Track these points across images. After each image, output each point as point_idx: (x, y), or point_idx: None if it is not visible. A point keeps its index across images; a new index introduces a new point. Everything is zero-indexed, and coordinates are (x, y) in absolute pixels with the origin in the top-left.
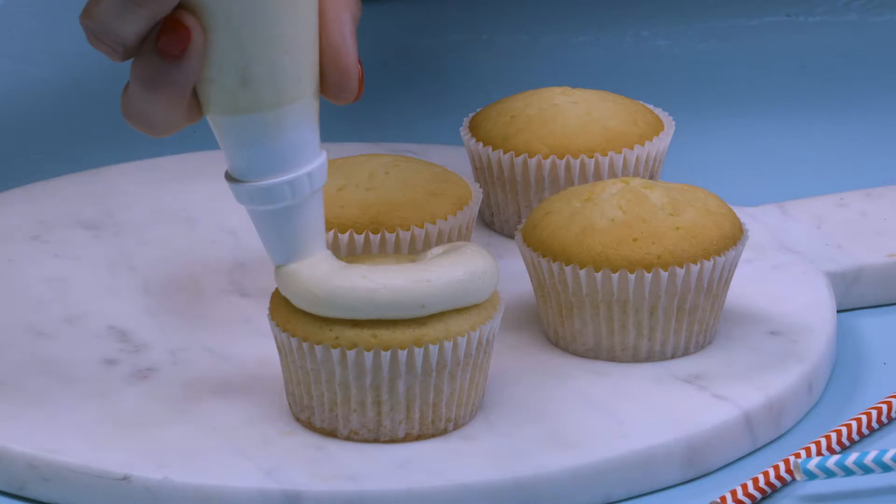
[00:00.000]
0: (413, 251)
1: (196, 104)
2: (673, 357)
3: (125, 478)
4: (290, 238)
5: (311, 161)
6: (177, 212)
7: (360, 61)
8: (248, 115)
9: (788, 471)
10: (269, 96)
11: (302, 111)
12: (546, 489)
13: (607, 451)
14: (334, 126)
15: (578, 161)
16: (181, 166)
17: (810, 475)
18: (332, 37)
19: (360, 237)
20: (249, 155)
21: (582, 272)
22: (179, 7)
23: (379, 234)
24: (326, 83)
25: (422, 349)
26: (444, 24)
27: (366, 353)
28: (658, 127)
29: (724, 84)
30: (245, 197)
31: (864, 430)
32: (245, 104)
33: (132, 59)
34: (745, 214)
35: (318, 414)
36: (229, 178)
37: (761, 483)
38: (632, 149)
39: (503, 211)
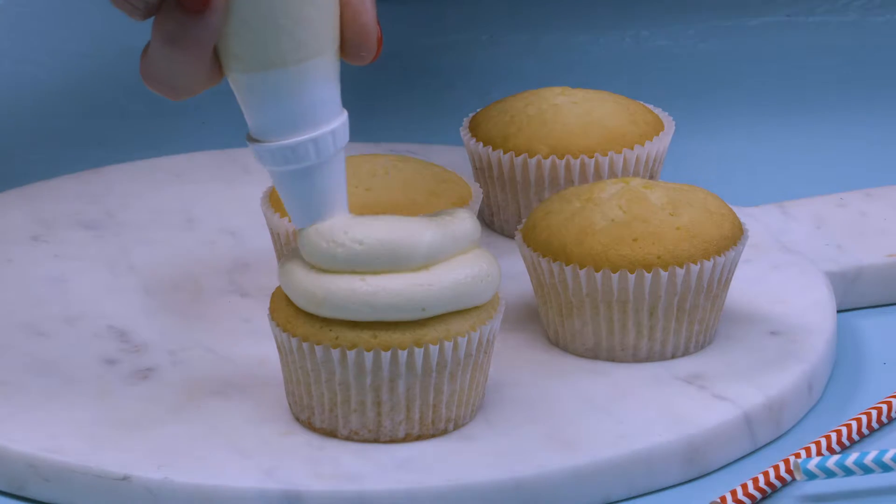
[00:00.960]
0: None
1: (217, 65)
2: (673, 357)
3: (125, 478)
4: (314, 199)
5: (334, 119)
6: (177, 212)
7: (378, 22)
8: (271, 70)
9: (788, 471)
10: (292, 51)
11: (324, 67)
12: (546, 489)
13: (607, 451)
14: None
15: (578, 161)
16: (181, 166)
17: (810, 475)
18: None
19: None
20: (272, 113)
21: (582, 272)
22: None
23: None
24: (345, 42)
25: (422, 349)
26: (444, 24)
27: (366, 353)
28: (658, 127)
29: (724, 84)
30: (268, 157)
31: (864, 430)
32: (268, 60)
33: (153, 18)
34: (745, 214)
35: (318, 414)
36: (251, 139)
37: (761, 483)
38: (632, 149)
39: (503, 211)
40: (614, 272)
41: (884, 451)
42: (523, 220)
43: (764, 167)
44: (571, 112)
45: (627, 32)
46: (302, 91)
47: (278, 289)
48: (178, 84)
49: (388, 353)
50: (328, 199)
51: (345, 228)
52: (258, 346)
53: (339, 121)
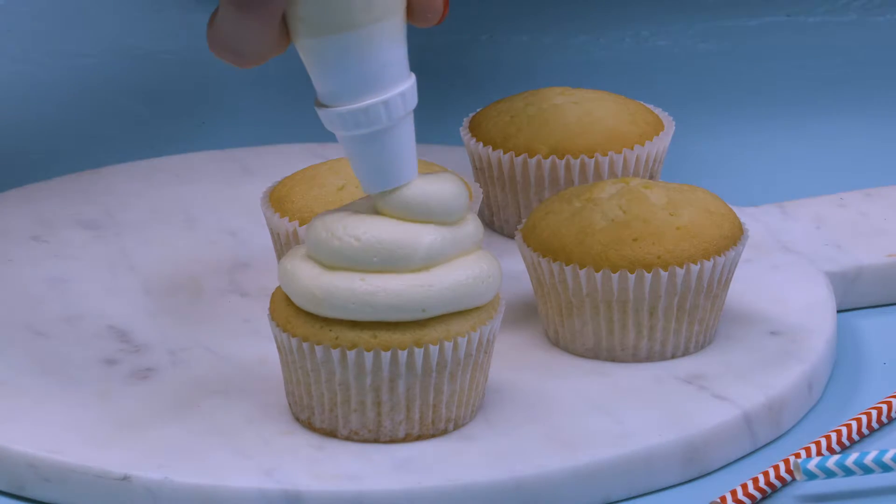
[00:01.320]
0: None
1: (285, 31)
2: (673, 357)
3: (125, 478)
4: (385, 163)
5: (402, 81)
6: (177, 212)
7: None
8: (341, 34)
9: (788, 471)
10: (361, 14)
11: (392, 29)
12: (546, 489)
13: (607, 451)
14: None
15: (578, 161)
16: (181, 166)
17: (810, 475)
18: None
19: None
20: (342, 77)
21: (582, 272)
22: None
23: None
24: (412, 4)
25: (422, 349)
26: (445, 24)
27: (366, 353)
28: (658, 127)
29: (723, 84)
30: (338, 122)
31: (864, 430)
32: (338, 23)
33: None
34: (745, 214)
35: (318, 414)
36: (319, 104)
37: (761, 483)
38: (632, 149)
39: (503, 211)
40: (614, 272)
41: (884, 451)
42: (523, 220)
43: (764, 167)
44: (571, 112)
45: (627, 32)
46: (371, 54)
47: (278, 289)
48: (246, 50)
49: (388, 354)
50: (399, 163)
51: (344, 223)
52: (258, 346)
53: (408, 83)
